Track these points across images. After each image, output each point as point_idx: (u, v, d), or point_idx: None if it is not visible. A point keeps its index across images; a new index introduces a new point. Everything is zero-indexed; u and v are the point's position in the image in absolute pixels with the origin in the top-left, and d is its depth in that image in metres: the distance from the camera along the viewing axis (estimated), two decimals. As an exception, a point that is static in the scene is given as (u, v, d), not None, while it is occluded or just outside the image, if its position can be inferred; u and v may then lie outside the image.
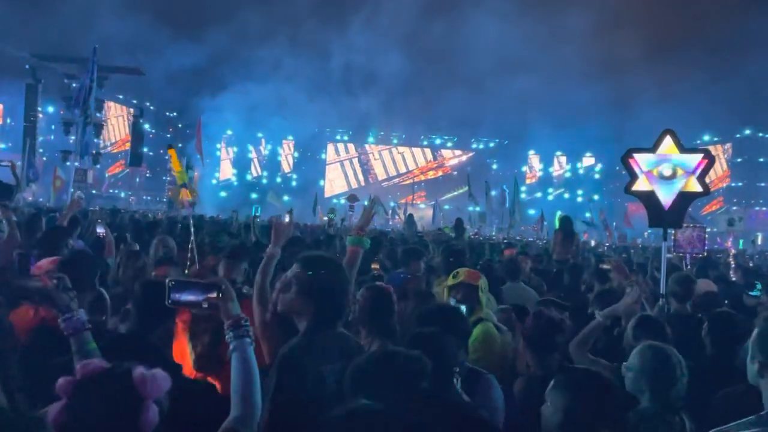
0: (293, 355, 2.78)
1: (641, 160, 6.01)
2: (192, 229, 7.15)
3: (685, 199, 5.90)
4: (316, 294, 2.86)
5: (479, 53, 44.79)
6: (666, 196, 5.87)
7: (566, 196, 50.74)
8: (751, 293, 6.84)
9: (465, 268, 4.75)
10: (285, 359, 2.78)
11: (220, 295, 2.33)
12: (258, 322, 3.24)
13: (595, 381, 2.63)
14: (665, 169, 5.89)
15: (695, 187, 5.88)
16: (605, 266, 6.21)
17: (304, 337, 2.85)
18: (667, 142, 5.97)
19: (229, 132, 49.56)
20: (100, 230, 7.70)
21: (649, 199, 5.97)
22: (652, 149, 6.02)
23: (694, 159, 5.91)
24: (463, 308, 3.90)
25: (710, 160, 5.94)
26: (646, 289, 4.33)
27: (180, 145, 38.72)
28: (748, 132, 46.33)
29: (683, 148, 5.98)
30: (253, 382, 2.26)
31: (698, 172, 5.86)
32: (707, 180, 6.07)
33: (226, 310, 2.32)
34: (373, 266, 6.91)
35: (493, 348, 4.14)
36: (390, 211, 38.09)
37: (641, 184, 6.01)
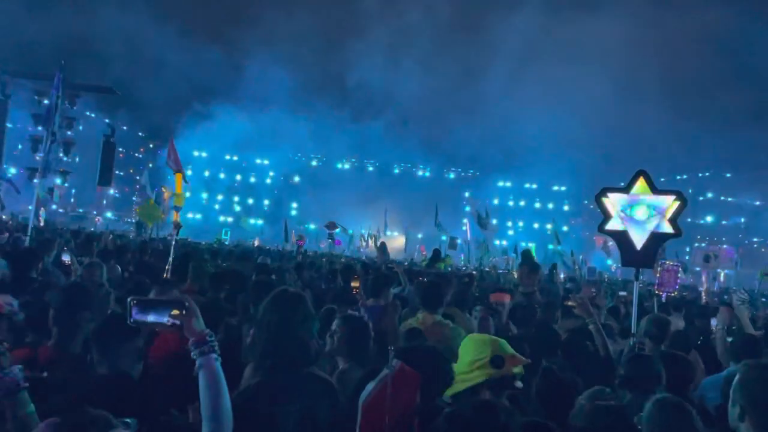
0: (244, 397, 2.71)
1: (615, 200, 6.10)
2: (171, 251, 7.19)
3: (657, 239, 5.98)
4: (269, 335, 2.80)
5: (453, 87, 45.56)
6: (638, 237, 5.96)
7: (536, 226, 51.36)
8: None
9: (501, 348, 3.18)
10: (235, 401, 2.71)
11: (184, 312, 2.27)
12: None
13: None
14: (638, 209, 5.99)
15: (667, 228, 5.97)
16: (570, 303, 6.27)
17: (258, 379, 2.78)
18: (641, 183, 6.07)
19: (201, 154, 49.23)
20: (66, 258, 7.52)
21: (621, 238, 6.04)
22: (626, 189, 6.12)
23: (667, 200, 6.02)
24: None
25: (682, 201, 6.05)
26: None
27: (151, 165, 38.33)
28: (710, 172, 47.60)
29: (656, 190, 6.09)
30: (222, 398, 2.22)
31: (670, 213, 5.96)
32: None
33: (190, 327, 2.26)
34: (353, 284, 6.84)
35: None
36: (361, 238, 38.12)
37: (614, 224, 6.09)
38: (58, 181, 30.88)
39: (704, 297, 13.03)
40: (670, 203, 5.95)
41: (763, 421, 2.64)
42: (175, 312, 2.27)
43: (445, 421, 2.29)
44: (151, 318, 2.27)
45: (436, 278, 8.13)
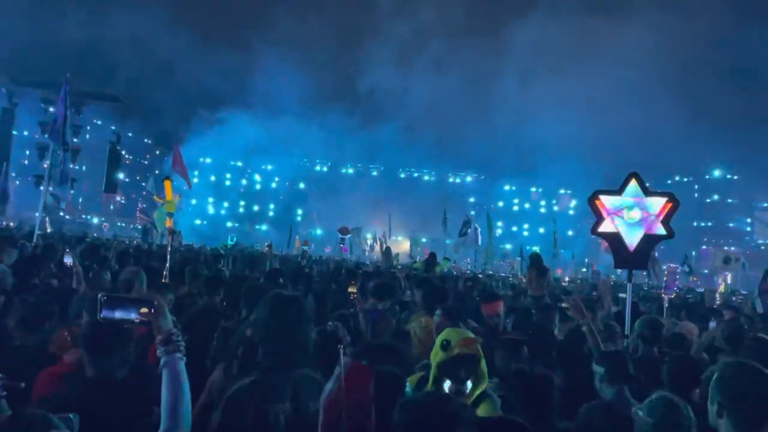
0: (237, 395, 2.77)
1: (607, 202, 6.12)
2: (168, 256, 7.26)
3: (649, 241, 5.99)
4: (263, 335, 2.87)
5: (460, 92, 45.63)
6: (631, 239, 5.97)
7: (541, 231, 51.23)
8: None
9: (455, 333, 3.33)
10: (229, 399, 2.77)
11: (152, 310, 2.34)
12: None
13: None
14: (630, 211, 6.00)
15: (660, 230, 5.98)
16: (565, 305, 6.29)
17: (252, 378, 2.84)
18: (633, 185, 6.09)
19: (207, 159, 49.37)
20: (68, 260, 7.61)
21: (614, 240, 6.06)
22: (618, 192, 6.13)
23: (659, 202, 6.03)
24: (468, 386, 3.18)
25: (675, 203, 6.06)
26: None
27: (157, 171, 38.53)
28: (717, 173, 47.44)
29: (648, 191, 6.09)
30: (183, 397, 2.27)
31: (663, 215, 5.97)
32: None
33: (157, 326, 2.34)
34: (350, 289, 6.87)
35: None
36: (368, 241, 38.12)
37: (607, 226, 6.11)
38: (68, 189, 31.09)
39: (718, 299, 12.82)
40: (662, 205, 5.97)
41: (741, 417, 2.68)
42: (144, 310, 2.34)
43: (399, 409, 2.36)
44: (119, 315, 2.34)
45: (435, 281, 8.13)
